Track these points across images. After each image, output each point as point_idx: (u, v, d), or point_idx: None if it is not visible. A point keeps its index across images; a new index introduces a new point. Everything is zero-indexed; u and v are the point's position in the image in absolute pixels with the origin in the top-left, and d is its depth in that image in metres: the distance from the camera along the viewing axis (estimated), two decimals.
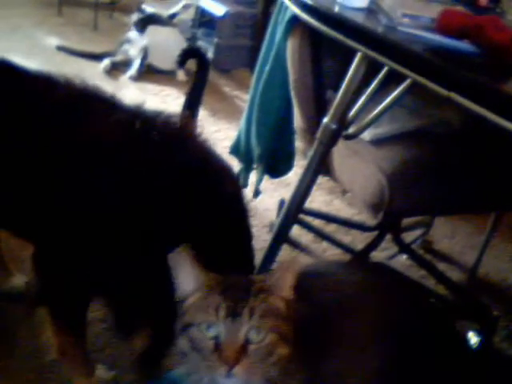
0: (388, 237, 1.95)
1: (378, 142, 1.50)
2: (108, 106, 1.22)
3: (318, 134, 1.32)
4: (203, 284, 0.87)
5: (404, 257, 2.07)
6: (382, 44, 1.21)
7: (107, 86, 3.12)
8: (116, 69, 3.28)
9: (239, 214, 1.19)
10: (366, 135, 1.49)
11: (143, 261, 1.09)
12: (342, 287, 1.05)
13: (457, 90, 1.09)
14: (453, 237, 2.30)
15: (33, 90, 1.22)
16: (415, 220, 2.19)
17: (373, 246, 1.88)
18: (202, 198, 1.12)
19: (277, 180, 2.26)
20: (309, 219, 2.15)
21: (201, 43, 3.60)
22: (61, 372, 1.38)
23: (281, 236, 1.43)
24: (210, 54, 3.41)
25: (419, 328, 1.09)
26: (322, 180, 2.51)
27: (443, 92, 1.10)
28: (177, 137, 1.21)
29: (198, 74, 1.91)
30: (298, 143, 2.10)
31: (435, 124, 1.57)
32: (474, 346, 1.74)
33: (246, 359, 0.81)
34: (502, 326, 1.85)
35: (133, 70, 3.23)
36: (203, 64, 1.91)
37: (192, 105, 1.91)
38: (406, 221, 2.09)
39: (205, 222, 1.09)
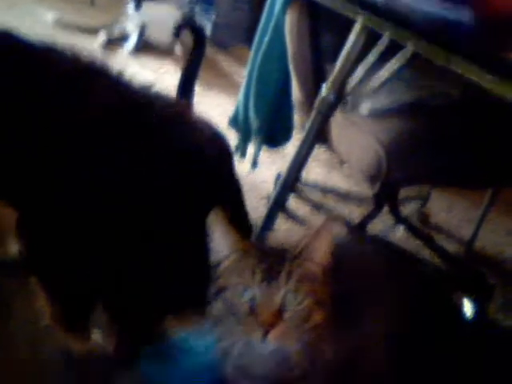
0: (385, 209, 1.97)
1: (375, 114, 1.51)
2: (112, 83, 1.21)
3: (316, 104, 1.33)
4: (238, 248, 0.86)
5: (401, 229, 2.09)
6: (383, 11, 1.21)
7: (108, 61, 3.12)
8: (113, 44, 3.26)
9: (235, 191, 1.19)
10: (364, 110, 1.49)
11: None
12: (368, 263, 1.04)
13: (455, 56, 1.09)
14: (450, 210, 2.32)
15: (38, 62, 1.21)
16: (412, 193, 2.20)
17: (370, 217, 1.89)
18: (200, 180, 1.11)
19: (274, 153, 2.27)
20: (306, 191, 2.16)
21: (199, 19, 3.57)
22: (56, 336, 1.37)
23: (278, 204, 1.44)
24: (208, 31, 3.39)
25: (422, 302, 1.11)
26: (319, 152, 2.51)
27: (442, 58, 1.11)
28: (176, 120, 1.20)
29: (194, 48, 1.90)
30: (296, 117, 2.12)
31: (433, 96, 1.58)
32: (469, 316, 1.76)
33: (281, 323, 0.79)
34: (498, 297, 1.87)
35: (130, 44, 3.22)
36: (199, 37, 1.90)
37: (188, 80, 1.91)
38: (403, 193, 2.10)
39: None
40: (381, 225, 2.06)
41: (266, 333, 0.79)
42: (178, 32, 1.97)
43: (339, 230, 0.99)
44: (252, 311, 0.80)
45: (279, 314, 0.80)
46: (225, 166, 1.20)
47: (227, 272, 0.85)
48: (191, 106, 1.86)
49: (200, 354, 1.36)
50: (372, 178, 1.44)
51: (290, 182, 1.43)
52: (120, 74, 1.21)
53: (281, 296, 0.80)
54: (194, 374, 1.33)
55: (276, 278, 0.81)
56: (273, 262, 0.83)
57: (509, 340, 1.71)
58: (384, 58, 1.32)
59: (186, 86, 1.89)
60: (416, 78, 1.62)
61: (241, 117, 1.98)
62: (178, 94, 1.88)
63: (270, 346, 0.80)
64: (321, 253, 0.85)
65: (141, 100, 1.17)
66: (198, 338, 1.39)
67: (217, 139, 1.22)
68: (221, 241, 0.87)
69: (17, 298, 1.50)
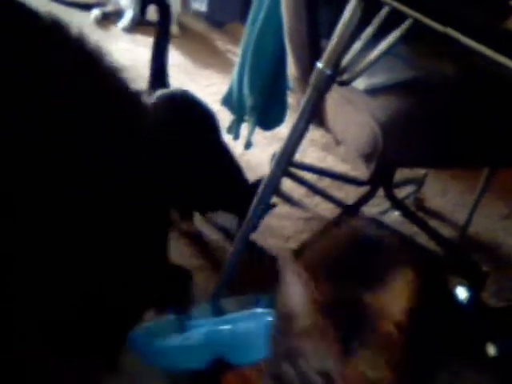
0: (380, 194, 1.94)
1: (372, 92, 1.48)
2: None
3: (312, 79, 1.29)
4: (313, 306, 0.77)
5: (396, 213, 2.06)
6: None
7: (98, 37, 3.09)
8: (107, 19, 3.21)
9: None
10: (361, 84, 1.46)
11: None
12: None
13: (453, 25, 1.06)
14: (444, 195, 2.29)
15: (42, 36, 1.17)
16: (407, 177, 2.18)
17: (364, 199, 1.87)
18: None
19: (270, 135, 2.24)
20: (302, 174, 2.13)
21: None
22: None
23: (271, 185, 1.40)
24: (203, 7, 3.34)
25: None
26: (315, 136, 2.49)
27: (439, 28, 1.08)
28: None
29: (159, 22, 1.87)
30: (291, 99, 2.09)
31: (430, 75, 1.55)
32: (463, 302, 1.75)
33: None
34: (491, 282, 1.86)
35: (125, 20, 3.16)
36: (163, 11, 1.86)
37: (159, 55, 1.87)
38: (398, 177, 2.07)
39: None
40: (376, 209, 2.04)
41: None
42: (142, 8, 1.92)
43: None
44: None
45: None
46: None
47: (303, 334, 0.77)
48: (165, 82, 1.86)
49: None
50: (367, 157, 1.41)
51: (285, 161, 1.39)
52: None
53: (359, 369, 0.73)
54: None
55: (354, 350, 0.73)
56: (350, 328, 0.75)
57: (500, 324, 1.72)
58: (382, 33, 1.29)
59: (158, 61, 1.86)
60: (413, 57, 1.59)
61: (235, 94, 1.94)
62: (150, 71, 1.86)
63: None
64: (398, 309, 0.77)
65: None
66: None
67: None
68: (295, 290, 0.78)
69: None
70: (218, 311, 1.47)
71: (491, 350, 1.58)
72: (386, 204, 2.00)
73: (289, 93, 1.99)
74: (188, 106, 1.83)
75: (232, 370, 1.24)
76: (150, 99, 1.83)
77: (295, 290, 0.78)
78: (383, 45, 1.25)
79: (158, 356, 1.36)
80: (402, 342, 0.77)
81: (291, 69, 1.65)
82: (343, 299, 0.78)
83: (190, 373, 1.34)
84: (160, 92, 1.82)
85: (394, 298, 0.76)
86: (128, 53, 2.90)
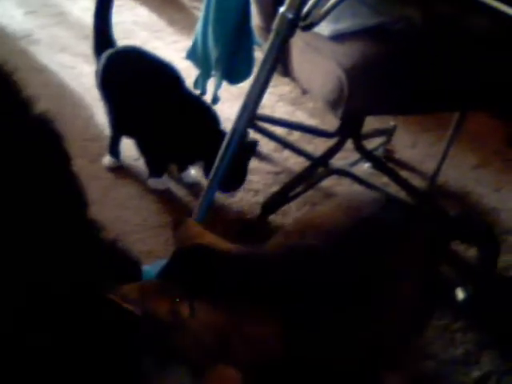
0: (350, 146, 1.94)
1: (337, 38, 1.46)
2: None
3: (274, 25, 1.26)
4: None
5: (366, 165, 2.06)
6: None
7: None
8: None
9: None
10: (326, 30, 1.44)
11: None
12: None
13: None
14: (414, 146, 2.29)
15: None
16: (376, 128, 2.17)
17: (333, 151, 1.86)
18: None
19: (238, 90, 2.21)
20: (271, 128, 2.11)
21: None
22: None
23: (237, 136, 1.38)
24: None
25: None
26: (284, 91, 2.47)
27: None
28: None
29: None
30: (259, 54, 2.06)
31: (396, 20, 1.52)
32: (462, 302, 1.76)
33: None
34: None
35: None
36: None
37: (101, 13, 1.83)
38: (367, 129, 2.07)
39: None
40: (345, 161, 2.03)
41: None
42: None
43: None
44: None
45: None
46: None
47: None
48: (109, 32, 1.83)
49: None
50: (333, 104, 1.39)
51: (250, 111, 1.37)
52: None
53: None
54: None
55: None
56: None
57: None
58: None
59: (101, 19, 1.84)
60: (379, 2, 1.56)
61: (199, 47, 1.90)
62: (94, 30, 1.82)
63: None
64: None
65: None
66: None
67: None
68: None
69: None
70: None
71: (460, 294, 1.61)
72: (356, 156, 2.00)
73: (256, 48, 1.96)
74: (139, 60, 1.79)
75: None
76: (99, 62, 1.79)
77: None
78: None
79: None
80: None
81: (256, 19, 1.62)
82: None
83: None
84: (108, 52, 1.78)
85: None
86: (90, 11, 2.82)
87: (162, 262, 1.47)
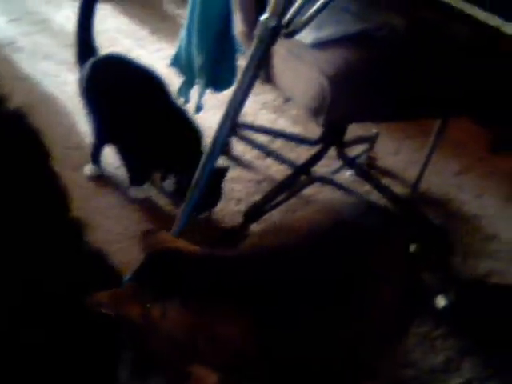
0: (333, 154, 1.95)
1: (320, 45, 1.46)
2: None
3: (257, 32, 1.26)
4: None
5: (348, 172, 2.07)
6: None
7: (42, 6, 2.97)
8: None
9: None
10: (308, 37, 1.44)
11: None
12: None
13: None
14: (397, 153, 2.31)
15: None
16: (359, 135, 2.18)
17: (315, 159, 1.86)
18: None
19: (221, 98, 2.21)
20: (253, 136, 2.12)
21: None
22: None
23: (219, 142, 1.38)
24: None
25: None
26: (267, 99, 2.47)
27: None
28: None
29: None
30: (241, 61, 2.06)
31: (379, 27, 1.54)
32: (443, 309, 1.77)
33: None
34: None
35: None
36: None
37: (84, 22, 1.83)
38: (350, 136, 2.08)
39: None
40: (328, 168, 2.04)
41: None
42: None
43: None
44: None
45: None
46: None
47: None
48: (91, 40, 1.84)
49: None
50: (316, 111, 1.40)
51: (232, 118, 1.37)
52: None
53: None
54: None
55: None
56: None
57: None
58: None
59: (85, 28, 1.85)
60: (361, 9, 1.57)
61: (183, 55, 1.90)
62: (77, 39, 1.81)
63: None
64: None
65: None
66: None
67: None
68: None
69: None
70: None
71: (441, 301, 1.61)
72: (339, 163, 2.01)
73: (239, 56, 1.96)
74: (123, 68, 1.79)
75: None
76: (83, 70, 1.78)
77: None
78: None
79: None
80: None
81: (238, 26, 1.63)
82: None
83: None
84: (91, 60, 1.77)
85: None
86: (73, 20, 2.81)
87: None
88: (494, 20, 0.83)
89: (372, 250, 1.00)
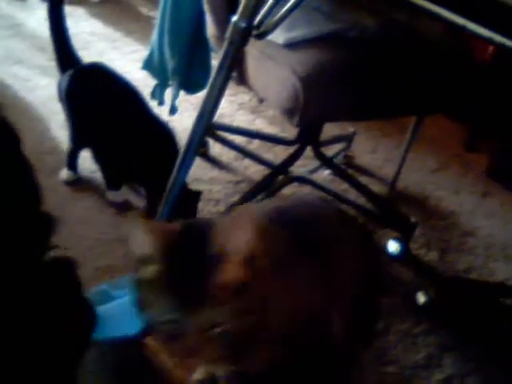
0: (310, 154, 1.94)
1: (292, 46, 1.46)
2: None
3: (228, 34, 1.25)
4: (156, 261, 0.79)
5: (326, 172, 2.07)
6: None
7: (14, 10, 2.93)
8: None
9: None
10: (280, 38, 1.44)
11: None
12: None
13: None
14: (374, 152, 2.31)
15: None
16: (336, 135, 2.18)
17: (293, 158, 1.86)
18: None
19: (196, 100, 2.20)
20: (231, 137, 2.11)
21: None
22: None
23: (193, 146, 1.37)
24: None
25: None
26: (244, 99, 2.47)
27: None
28: None
29: None
30: (214, 61, 2.05)
31: (350, 28, 1.53)
32: (395, 253, 1.78)
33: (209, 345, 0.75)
34: (420, 234, 1.90)
35: None
36: None
37: (56, 28, 1.80)
38: (327, 135, 2.08)
39: None
40: (306, 168, 2.04)
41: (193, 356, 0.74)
42: None
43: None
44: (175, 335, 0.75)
45: (205, 335, 0.74)
46: None
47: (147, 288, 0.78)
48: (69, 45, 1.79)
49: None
50: (290, 112, 1.39)
51: (206, 120, 1.35)
52: None
53: (206, 317, 0.74)
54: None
55: (198, 300, 0.74)
56: (192, 280, 0.76)
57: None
58: None
59: (58, 34, 1.79)
60: (333, 10, 1.57)
61: (156, 58, 1.89)
62: (54, 47, 1.78)
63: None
64: (241, 244, 0.78)
65: None
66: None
67: None
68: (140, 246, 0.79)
69: None
70: None
71: (421, 298, 1.62)
72: (316, 163, 2.01)
73: (214, 55, 1.95)
74: (104, 77, 1.77)
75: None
76: (64, 76, 1.76)
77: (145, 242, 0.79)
78: None
79: None
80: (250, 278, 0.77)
81: (210, 28, 1.61)
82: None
83: (119, 341, 1.32)
84: (75, 68, 1.75)
85: (238, 237, 0.78)
86: (46, 23, 2.77)
87: (122, 280, 1.45)
88: (458, 19, 0.83)
89: (331, 228, 0.98)
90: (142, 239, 0.80)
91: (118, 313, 1.34)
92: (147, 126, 1.74)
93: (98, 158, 1.80)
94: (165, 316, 0.73)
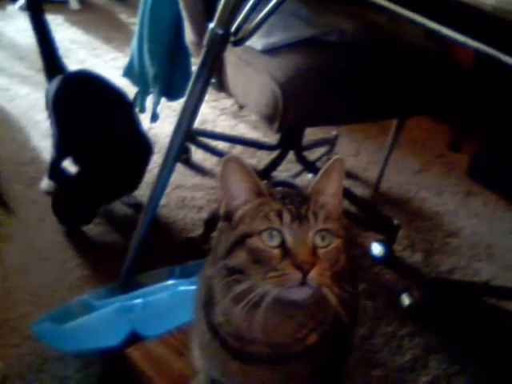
0: (293, 158, 1.94)
1: (271, 52, 1.45)
2: None
3: (205, 41, 1.25)
4: (256, 192, 0.78)
5: (309, 175, 2.07)
6: None
7: None
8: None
9: None
10: (258, 43, 1.43)
11: None
12: None
13: None
14: (357, 154, 2.32)
15: None
16: (319, 138, 2.18)
17: (275, 163, 1.86)
18: None
19: (178, 106, 2.19)
20: (213, 143, 2.10)
21: None
22: None
23: (173, 153, 1.36)
24: None
25: None
26: (226, 105, 2.47)
27: None
28: None
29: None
30: (194, 67, 2.05)
31: (329, 32, 1.53)
32: (379, 255, 1.78)
33: (318, 264, 0.73)
34: (404, 236, 1.90)
35: (22, 0, 3.00)
36: None
37: (43, 35, 1.80)
38: (310, 139, 2.08)
39: None
40: (289, 173, 2.04)
41: (307, 274, 0.72)
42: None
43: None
44: (285, 255, 0.73)
45: (315, 253, 0.74)
46: None
47: (248, 218, 0.77)
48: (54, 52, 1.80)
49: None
50: (270, 118, 1.39)
51: (185, 128, 1.35)
52: None
53: (312, 235, 0.74)
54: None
55: (306, 217, 0.75)
56: (298, 202, 0.76)
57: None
58: None
59: (41, 34, 1.80)
60: (311, 15, 1.57)
61: (136, 66, 1.88)
62: (38, 47, 1.79)
63: (308, 289, 0.73)
64: (334, 188, 0.81)
65: None
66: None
67: None
68: (236, 187, 0.79)
69: None
70: (132, 286, 1.43)
71: (405, 300, 1.62)
72: (299, 167, 2.01)
73: (194, 61, 1.95)
74: (91, 84, 1.76)
75: (136, 344, 1.22)
76: (51, 84, 1.76)
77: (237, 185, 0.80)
78: (273, 2, 1.22)
79: (68, 339, 1.32)
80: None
81: (189, 35, 1.61)
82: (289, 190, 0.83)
83: (102, 352, 1.31)
84: (61, 75, 1.74)
85: (329, 183, 0.81)
86: (25, 31, 2.77)
87: (104, 290, 1.44)
88: (432, 24, 0.83)
89: None
90: None
91: (101, 323, 1.33)
92: (129, 136, 1.73)
93: (80, 165, 1.78)
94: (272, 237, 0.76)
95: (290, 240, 0.74)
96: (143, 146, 1.75)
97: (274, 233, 0.74)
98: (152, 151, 1.77)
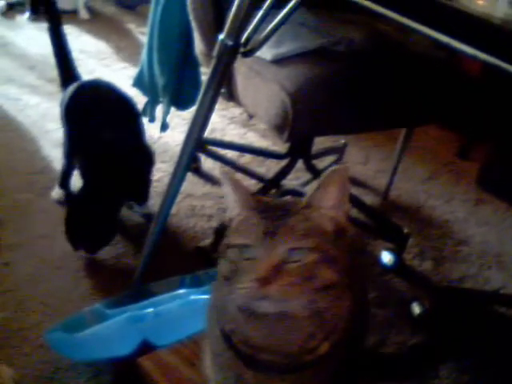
0: (303, 166, 1.95)
1: (280, 62, 1.46)
2: None
3: (215, 52, 1.26)
4: (245, 206, 0.80)
5: None
6: None
7: (2, 29, 2.94)
8: (13, 10, 3.08)
9: None
10: (268, 54, 1.44)
11: None
12: None
13: None
14: (366, 163, 2.32)
15: None
16: (327, 147, 2.19)
17: (284, 172, 1.86)
18: None
19: (187, 115, 2.20)
20: (222, 152, 2.11)
21: None
22: None
23: (184, 162, 1.37)
24: None
25: None
26: (235, 114, 2.47)
27: None
28: None
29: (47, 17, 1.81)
30: (204, 77, 2.06)
31: (337, 42, 1.54)
32: (389, 264, 1.78)
33: (281, 279, 0.73)
34: (414, 244, 1.90)
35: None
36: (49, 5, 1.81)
37: (60, 47, 1.82)
38: (319, 147, 2.08)
39: None
40: (298, 181, 2.04)
41: (264, 287, 0.73)
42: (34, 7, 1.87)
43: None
44: (253, 268, 0.74)
45: (278, 268, 0.74)
46: None
47: (234, 230, 0.80)
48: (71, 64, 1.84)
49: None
50: (279, 128, 1.39)
51: (195, 138, 1.36)
52: None
53: (281, 250, 0.74)
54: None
55: (277, 233, 0.75)
56: (276, 216, 0.77)
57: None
58: (283, 2, 1.27)
59: (61, 54, 1.82)
60: (319, 25, 1.58)
61: (146, 76, 1.89)
62: (58, 66, 1.82)
63: (271, 303, 0.74)
64: (333, 202, 0.78)
65: None
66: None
67: None
68: (231, 198, 0.82)
69: None
70: (144, 295, 1.44)
71: (416, 309, 1.62)
72: (308, 175, 2.01)
73: (203, 71, 1.96)
74: (104, 93, 1.77)
75: (148, 353, 1.22)
76: (65, 92, 1.78)
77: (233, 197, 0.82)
78: (282, 13, 1.23)
79: (80, 348, 1.33)
80: (340, 237, 0.80)
81: (198, 45, 1.62)
82: (279, 201, 0.85)
83: (114, 361, 1.32)
84: (75, 84, 1.76)
85: (330, 193, 0.79)
86: (34, 41, 2.80)
87: (116, 299, 1.45)
88: (442, 37, 0.84)
89: None
90: None
91: (113, 332, 1.34)
92: (132, 146, 1.75)
93: (86, 173, 1.79)
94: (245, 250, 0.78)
95: (258, 254, 0.75)
96: (144, 156, 1.77)
97: (246, 247, 0.76)
98: (153, 162, 1.79)
